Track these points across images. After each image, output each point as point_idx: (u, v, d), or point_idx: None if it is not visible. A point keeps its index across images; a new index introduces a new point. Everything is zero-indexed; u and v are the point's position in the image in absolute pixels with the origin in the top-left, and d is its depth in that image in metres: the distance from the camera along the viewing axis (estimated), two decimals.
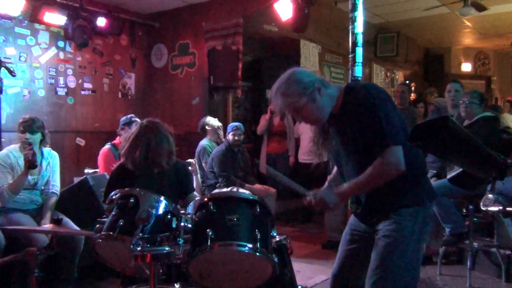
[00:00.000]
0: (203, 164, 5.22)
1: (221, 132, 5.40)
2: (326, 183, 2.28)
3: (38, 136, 3.34)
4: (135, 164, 2.59)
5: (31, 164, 3.12)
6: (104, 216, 2.10)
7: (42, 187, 3.41)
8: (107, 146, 4.14)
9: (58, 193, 3.50)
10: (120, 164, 2.71)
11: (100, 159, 4.12)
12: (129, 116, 4.22)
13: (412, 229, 1.89)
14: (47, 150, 3.48)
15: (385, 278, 1.86)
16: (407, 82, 8.30)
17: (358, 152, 1.92)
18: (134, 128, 2.71)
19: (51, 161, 3.48)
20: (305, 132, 5.88)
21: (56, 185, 3.49)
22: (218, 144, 5.36)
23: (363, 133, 1.86)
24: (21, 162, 3.28)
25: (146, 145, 2.57)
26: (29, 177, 3.30)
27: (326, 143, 2.08)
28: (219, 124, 5.39)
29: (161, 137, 2.62)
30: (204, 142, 5.31)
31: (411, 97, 9.11)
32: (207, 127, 5.33)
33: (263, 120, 6.09)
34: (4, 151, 3.34)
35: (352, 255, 2.08)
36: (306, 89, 1.90)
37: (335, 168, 2.29)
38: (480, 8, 6.07)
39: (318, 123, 2.03)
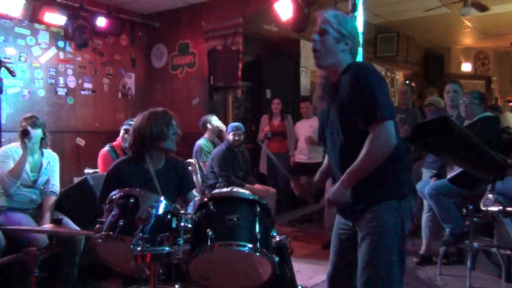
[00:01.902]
0: (201, 164, 5.22)
1: (221, 134, 5.40)
2: (317, 174, 2.26)
3: (39, 132, 3.37)
4: (142, 140, 2.51)
5: (25, 132, 3.17)
6: (104, 216, 2.10)
7: (42, 187, 3.42)
8: (106, 148, 4.14)
9: (58, 193, 3.50)
10: (117, 163, 2.67)
11: (99, 161, 4.12)
12: (131, 119, 4.22)
13: (395, 223, 1.88)
14: (47, 151, 3.50)
15: (375, 276, 1.86)
16: (409, 82, 8.31)
17: (344, 126, 1.91)
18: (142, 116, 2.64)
19: (51, 161, 3.49)
20: (302, 132, 5.90)
21: (55, 185, 3.50)
22: (214, 144, 5.37)
23: (354, 105, 1.85)
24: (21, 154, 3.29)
25: (157, 120, 2.56)
26: (29, 174, 3.31)
27: (322, 107, 2.08)
28: (222, 126, 5.35)
29: (170, 118, 2.62)
30: (201, 141, 5.32)
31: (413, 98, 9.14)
32: (208, 125, 5.33)
33: (261, 133, 6.16)
34: (8, 146, 3.36)
35: (343, 255, 2.08)
36: (343, 31, 1.95)
37: (326, 160, 2.28)
38: (482, 8, 6.06)
39: (317, 58, 2.00)
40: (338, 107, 1.94)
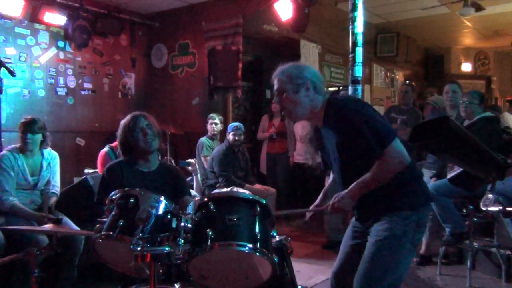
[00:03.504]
0: (202, 158, 5.23)
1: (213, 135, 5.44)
2: (321, 195, 2.32)
3: (38, 137, 3.34)
4: (128, 144, 2.63)
5: (56, 221, 3.18)
6: (104, 216, 2.10)
7: (42, 188, 3.41)
8: (105, 149, 4.12)
9: (58, 193, 3.50)
10: (110, 165, 2.72)
11: (98, 161, 4.12)
12: None
13: (404, 230, 1.91)
14: (47, 150, 3.47)
15: (369, 275, 1.90)
16: (410, 82, 8.28)
17: (350, 159, 1.98)
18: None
19: (51, 161, 3.47)
20: (298, 133, 5.92)
21: (56, 186, 3.49)
22: (212, 139, 5.40)
23: (354, 145, 1.91)
24: (21, 162, 3.27)
25: (139, 126, 2.63)
26: (29, 178, 3.31)
27: (320, 148, 2.18)
28: (212, 129, 5.38)
29: (135, 122, 2.67)
30: (203, 138, 5.40)
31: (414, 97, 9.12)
32: (207, 123, 5.37)
33: (265, 133, 6.17)
34: (4, 152, 3.33)
35: (354, 251, 2.10)
36: (297, 79, 2.00)
37: (330, 178, 2.35)
38: (479, 8, 6.06)
39: (289, 115, 2.09)
40: (336, 146, 1.99)
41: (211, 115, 5.40)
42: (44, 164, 3.41)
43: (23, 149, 3.33)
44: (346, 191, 1.96)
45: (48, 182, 3.43)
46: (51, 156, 3.49)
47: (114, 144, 4.14)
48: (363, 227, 2.08)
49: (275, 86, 2.06)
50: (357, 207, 2.05)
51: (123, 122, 2.71)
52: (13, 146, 3.37)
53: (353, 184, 1.94)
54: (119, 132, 2.69)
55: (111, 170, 2.65)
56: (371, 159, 1.89)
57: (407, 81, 8.58)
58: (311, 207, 2.31)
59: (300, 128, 5.88)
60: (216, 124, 5.35)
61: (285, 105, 2.04)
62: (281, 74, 2.04)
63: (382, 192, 1.93)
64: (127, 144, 2.65)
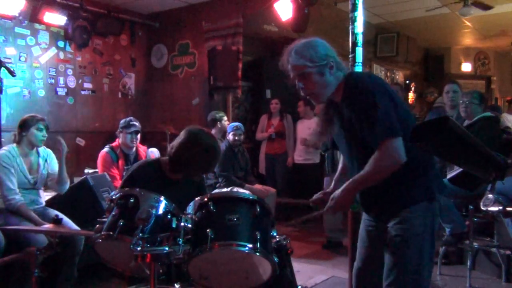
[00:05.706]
0: None
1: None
2: (333, 184, 2.27)
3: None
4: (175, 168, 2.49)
5: (57, 221, 3.19)
6: (104, 216, 2.10)
7: (41, 187, 3.41)
8: (105, 149, 4.09)
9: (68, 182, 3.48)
10: (155, 163, 2.61)
11: (99, 162, 4.09)
12: (127, 119, 4.12)
13: (424, 224, 1.87)
14: (41, 148, 3.45)
15: (401, 278, 1.85)
16: (407, 82, 8.30)
17: (358, 141, 1.90)
18: (183, 136, 2.50)
19: (47, 158, 3.46)
20: (299, 133, 5.92)
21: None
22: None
23: (360, 125, 1.83)
24: (19, 161, 3.27)
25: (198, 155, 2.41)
26: (29, 177, 3.30)
27: (329, 130, 2.04)
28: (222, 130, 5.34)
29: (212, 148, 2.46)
30: None
31: (411, 97, 9.14)
32: (218, 124, 5.24)
33: (264, 133, 6.16)
34: (3, 151, 3.32)
35: (372, 248, 2.06)
36: (320, 60, 1.88)
37: (340, 165, 2.30)
38: (485, 7, 6.02)
39: (316, 99, 2.00)
40: (347, 126, 1.92)
41: (223, 117, 5.23)
42: (41, 162, 3.41)
43: (21, 147, 3.31)
44: (340, 189, 1.90)
45: (48, 176, 3.42)
46: (46, 153, 3.48)
47: (114, 144, 4.13)
48: (378, 222, 2.02)
49: (294, 71, 1.93)
50: (367, 202, 2.01)
51: (182, 139, 2.45)
52: (9, 145, 3.36)
53: (348, 182, 1.89)
54: (176, 147, 2.46)
55: (142, 169, 2.56)
56: (371, 146, 1.81)
57: (395, 81, 8.62)
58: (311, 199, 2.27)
59: (303, 129, 5.87)
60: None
61: (311, 89, 1.92)
62: (300, 59, 1.89)
63: (398, 183, 1.86)
64: (181, 160, 2.44)
